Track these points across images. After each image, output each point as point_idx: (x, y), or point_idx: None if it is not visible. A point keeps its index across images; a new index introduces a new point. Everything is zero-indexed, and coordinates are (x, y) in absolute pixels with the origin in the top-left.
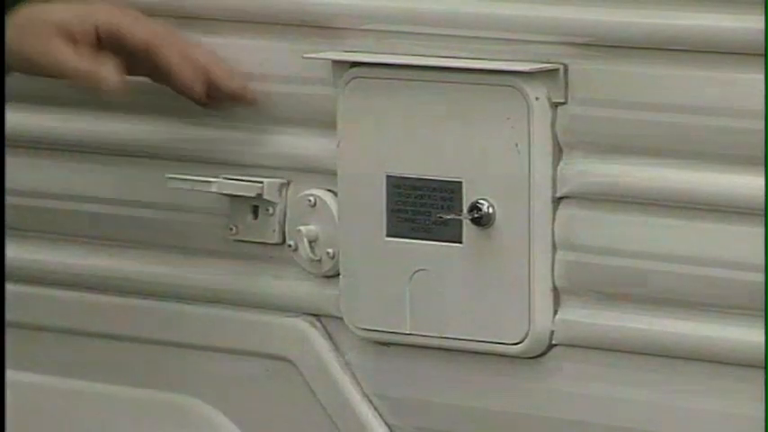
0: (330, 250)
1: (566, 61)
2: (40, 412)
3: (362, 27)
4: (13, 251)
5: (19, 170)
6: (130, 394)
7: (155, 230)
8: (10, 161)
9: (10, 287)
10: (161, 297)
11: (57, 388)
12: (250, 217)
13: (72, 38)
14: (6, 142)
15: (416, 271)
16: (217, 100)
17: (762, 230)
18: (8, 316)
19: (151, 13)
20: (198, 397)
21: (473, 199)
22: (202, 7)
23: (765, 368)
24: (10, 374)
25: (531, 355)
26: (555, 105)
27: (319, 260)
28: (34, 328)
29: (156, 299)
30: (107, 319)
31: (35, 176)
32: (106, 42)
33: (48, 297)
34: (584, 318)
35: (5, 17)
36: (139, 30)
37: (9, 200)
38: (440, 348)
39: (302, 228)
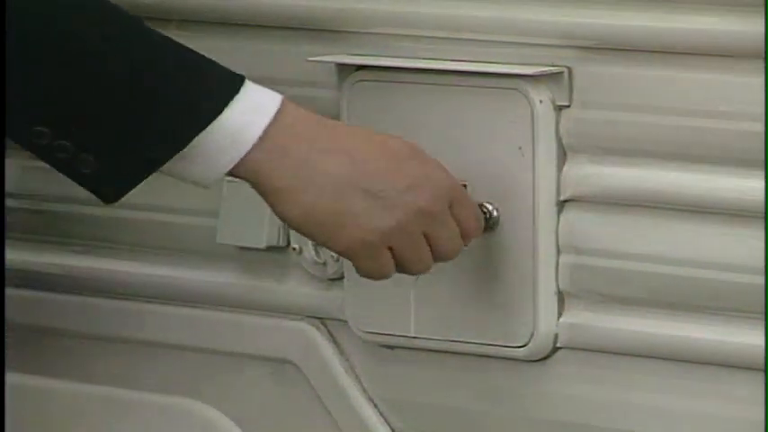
0: (334, 253)
1: (570, 64)
2: (43, 416)
3: (367, 30)
4: (13, 254)
5: (18, 172)
6: (134, 397)
7: (158, 233)
8: (9, 163)
9: (12, 291)
10: (164, 300)
11: (59, 391)
12: None
13: None
14: (7, 143)
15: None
16: None
17: (762, 233)
18: (10, 318)
19: (155, 15)
20: (202, 400)
21: (477, 202)
22: (206, 10)
23: (765, 371)
24: (12, 377)
25: (535, 359)
26: (559, 108)
27: (324, 263)
28: (36, 331)
29: (159, 302)
30: (110, 322)
31: (35, 179)
32: None
33: (49, 300)
34: (588, 321)
35: None
36: None
37: (8, 202)
38: (444, 351)
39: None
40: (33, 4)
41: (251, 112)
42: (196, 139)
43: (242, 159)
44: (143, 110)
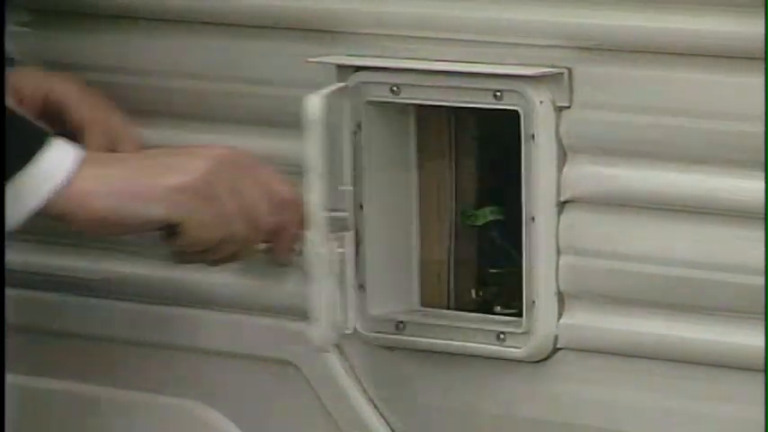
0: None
1: (570, 65)
2: (42, 416)
3: (367, 31)
4: (13, 254)
5: None
6: (133, 398)
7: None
8: None
9: (14, 291)
10: (166, 301)
11: (58, 391)
12: None
13: (19, 99)
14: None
15: None
16: None
17: (762, 234)
18: (11, 319)
19: (151, 16)
20: (202, 401)
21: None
22: (205, 11)
23: (765, 372)
24: (12, 378)
25: (535, 359)
26: (559, 109)
27: None
28: (37, 332)
29: (160, 303)
30: (111, 323)
31: None
32: (50, 112)
33: (51, 301)
34: (588, 322)
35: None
36: (83, 109)
37: None
38: (444, 352)
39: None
40: None
41: (61, 154)
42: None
43: (49, 200)
44: None
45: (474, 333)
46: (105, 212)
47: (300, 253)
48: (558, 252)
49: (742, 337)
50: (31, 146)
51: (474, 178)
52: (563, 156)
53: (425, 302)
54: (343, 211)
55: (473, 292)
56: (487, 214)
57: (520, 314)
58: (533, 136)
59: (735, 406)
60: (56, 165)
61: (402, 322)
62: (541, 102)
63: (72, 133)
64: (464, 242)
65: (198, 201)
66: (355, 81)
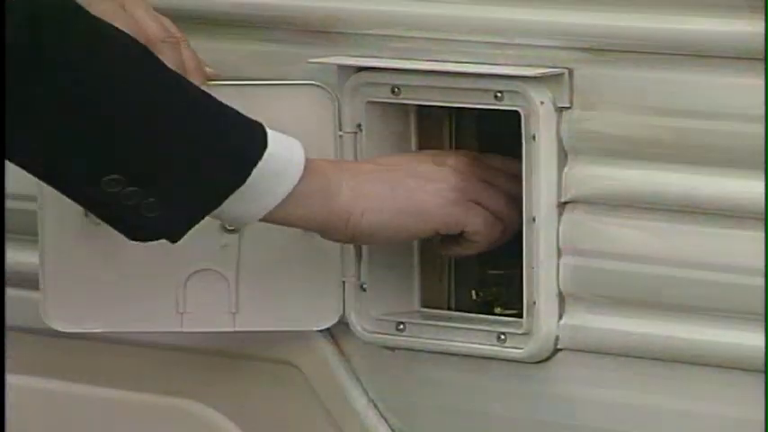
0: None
1: (571, 66)
2: (43, 416)
3: (368, 32)
4: (14, 254)
5: (18, 173)
6: (135, 399)
7: None
8: (9, 164)
9: (12, 291)
10: None
11: (59, 392)
12: None
13: None
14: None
15: None
16: None
17: (762, 234)
18: (11, 320)
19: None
20: (203, 401)
21: None
22: (206, 11)
23: (766, 372)
24: (12, 378)
25: (536, 360)
26: (560, 110)
27: None
28: (36, 332)
29: None
30: None
31: (35, 180)
32: None
33: None
34: (588, 322)
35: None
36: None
37: (9, 203)
38: (445, 353)
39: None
40: (99, 66)
41: (290, 146)
42: (250, 178)
43: (291, 193)
44: (201, 152)
45: (474, 334)
46: (373, 229)
47: None
48: (559, 253)
49: (742, 338)
50: (252, 149)
51: None
52: (564, 156)
53: (425, 303)
54: None
55: (473, 292)
56: None
57: (520, 315)
58: (534, 136)
59: (735, 406)
60: (283, 168)
61: (402, 323)
62: (542, 102)
63: None
64: None
65: (466, 203)
66: (356, 81)
